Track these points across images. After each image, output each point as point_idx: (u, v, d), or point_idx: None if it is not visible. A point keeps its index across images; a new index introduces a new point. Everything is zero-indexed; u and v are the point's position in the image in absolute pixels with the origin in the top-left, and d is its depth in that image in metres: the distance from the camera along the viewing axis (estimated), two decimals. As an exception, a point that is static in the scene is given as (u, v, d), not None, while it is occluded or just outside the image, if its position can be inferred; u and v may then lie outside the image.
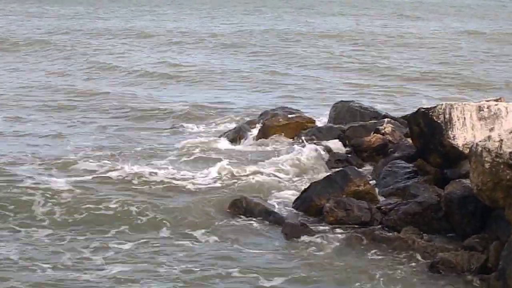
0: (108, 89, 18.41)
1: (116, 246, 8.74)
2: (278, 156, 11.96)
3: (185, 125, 14.71)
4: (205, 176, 11.21)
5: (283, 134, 12.91)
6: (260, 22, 35.34)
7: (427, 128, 10.30)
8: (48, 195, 10.10)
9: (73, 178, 10.92)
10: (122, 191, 10.57)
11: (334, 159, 11.60)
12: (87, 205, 9.87)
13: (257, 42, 27.96)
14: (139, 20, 35.40)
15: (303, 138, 12.42)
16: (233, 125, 14.29)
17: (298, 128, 12.99)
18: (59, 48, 25.43)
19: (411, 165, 10.61)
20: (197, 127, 14.59)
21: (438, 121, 10.11)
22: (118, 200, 10.05)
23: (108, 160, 11.77)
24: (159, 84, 19.59)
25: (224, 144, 13.04)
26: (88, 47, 25.79)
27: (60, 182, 10.65)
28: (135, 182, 10.91)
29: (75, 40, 27.71)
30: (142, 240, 8.91)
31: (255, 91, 18.79)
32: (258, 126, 13.53)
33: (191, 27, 32.78)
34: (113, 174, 11.16)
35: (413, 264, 8.27)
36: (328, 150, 11.98)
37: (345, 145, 12.33)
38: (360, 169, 10.71)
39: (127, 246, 8.76)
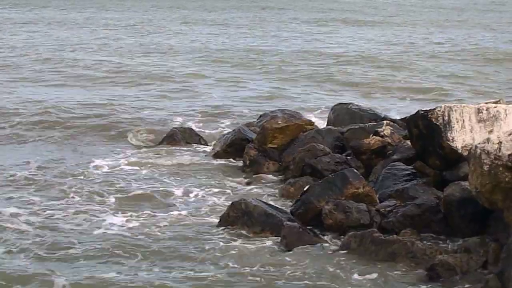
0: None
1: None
2: None
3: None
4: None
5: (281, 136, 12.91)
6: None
7: (426, 130, 10.32)
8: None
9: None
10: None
11: (333, 161, 11.60)
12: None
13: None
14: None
15: None
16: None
17: (298, 130, 12.98)
18: None
19: (410, 167, 10.61)
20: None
21: (437, 123, 10.13)
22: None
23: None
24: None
25: None
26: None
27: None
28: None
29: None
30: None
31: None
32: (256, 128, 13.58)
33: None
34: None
35: (412, 266, 8.27)
36: None
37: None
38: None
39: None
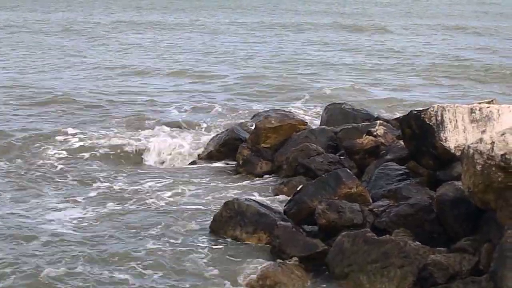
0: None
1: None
2: None
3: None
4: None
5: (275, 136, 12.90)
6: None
7: (419, 130, 10.32)
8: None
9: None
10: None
11: (326, 161, 11.59)
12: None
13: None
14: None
15: None
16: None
17: (291, 130, 12.99)
18: None
19: (403, 167, 10.62)
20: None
21: (430, 123, 10.13)
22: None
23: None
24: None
25: None
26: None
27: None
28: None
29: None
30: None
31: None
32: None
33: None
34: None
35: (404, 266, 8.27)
36: None
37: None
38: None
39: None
